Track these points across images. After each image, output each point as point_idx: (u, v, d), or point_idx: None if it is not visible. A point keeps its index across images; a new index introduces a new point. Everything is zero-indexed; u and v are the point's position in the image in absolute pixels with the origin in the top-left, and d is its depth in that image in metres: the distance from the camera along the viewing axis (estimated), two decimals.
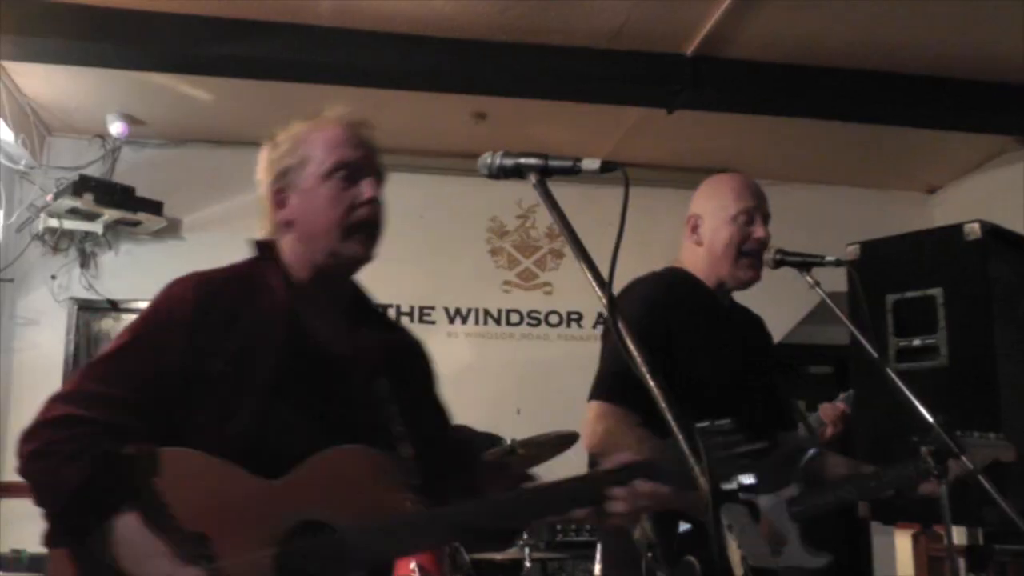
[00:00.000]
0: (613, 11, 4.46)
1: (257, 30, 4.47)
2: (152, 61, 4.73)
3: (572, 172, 1.51)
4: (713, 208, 2.66)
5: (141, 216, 5.65)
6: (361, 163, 1.85)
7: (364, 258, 1.84)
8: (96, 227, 5.67)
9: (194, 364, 1.68)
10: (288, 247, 1.86)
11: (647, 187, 6.15)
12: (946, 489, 2.28)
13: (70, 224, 5.62)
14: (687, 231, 2.72)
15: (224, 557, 1.57)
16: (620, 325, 1.32)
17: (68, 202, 5.39)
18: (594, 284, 1.37)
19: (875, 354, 2.41)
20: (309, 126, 1.92)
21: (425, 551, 3.62)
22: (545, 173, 1.54)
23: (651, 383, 1.24)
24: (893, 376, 2.32)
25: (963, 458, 2.25)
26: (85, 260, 5.80)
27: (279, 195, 1.87)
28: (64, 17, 4.36)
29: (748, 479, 1.73)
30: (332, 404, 1.77)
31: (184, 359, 1.68)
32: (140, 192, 5.65)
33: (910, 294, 3.69)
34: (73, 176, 5.52)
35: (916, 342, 3.61)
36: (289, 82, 4.88)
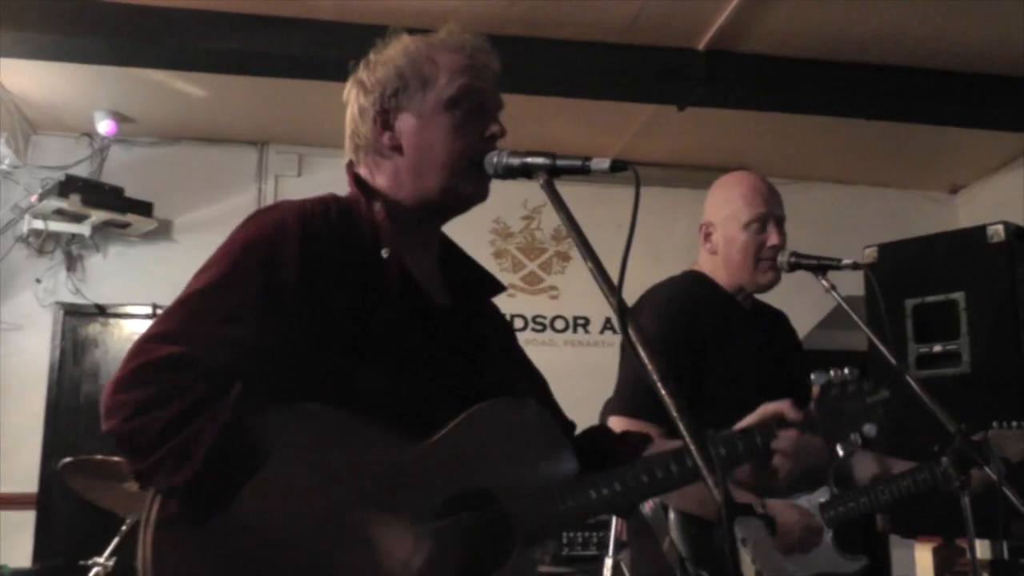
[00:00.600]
0: (624, 4, 4.49)
1: (254, 24, 4.49)
2: (143, 56, 4.75)
3: (581, 172, 1.51)
4: (725, 216, 2.68)
5: (130, 217, 5.67)
6: (487, 95, 1.73)
7: (481, 197, 1.71)
8: (83, 229, 5.69)
9: (311, 300, 1.50)
10: (388, 176, 1.71)
11: (659, 187, 6.18)
12: (968, 500, 2.29)
13: (56, 226, 5.64)
14: (700, 238, 2.74)
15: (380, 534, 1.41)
16: (631, 331, 1.32)
17: (54, 203, 5.41)
18: (604, 289, 1.38)
19: (894, 361, 2.42)
20: (427, 45, 1.75)
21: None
22: (553, 173, 1.53)
23: (662, 391, 1.25)
24: (913, 384, 2.33)
25: (987, 468, 2.26)
26: (72, 263, 5.83)
27: (384, 116, 1.70)
28: (50, 10, 4.38)
29: (871, 430, 1.84)
30: (453, 358, 1.66)
31: (299, 293, 1.49)
32: (129, 192, 5.68)
33: (931, 298, 3.71)
34: (59, 176, 5.55)
35: (937, 348, 3.63)
36: (287, 79, 4.91)
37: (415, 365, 1.58)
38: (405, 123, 1.69)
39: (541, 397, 1.82)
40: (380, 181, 1.72)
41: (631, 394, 2.40)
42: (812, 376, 1.90)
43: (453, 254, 1.85)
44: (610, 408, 2.45)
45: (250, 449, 1.35)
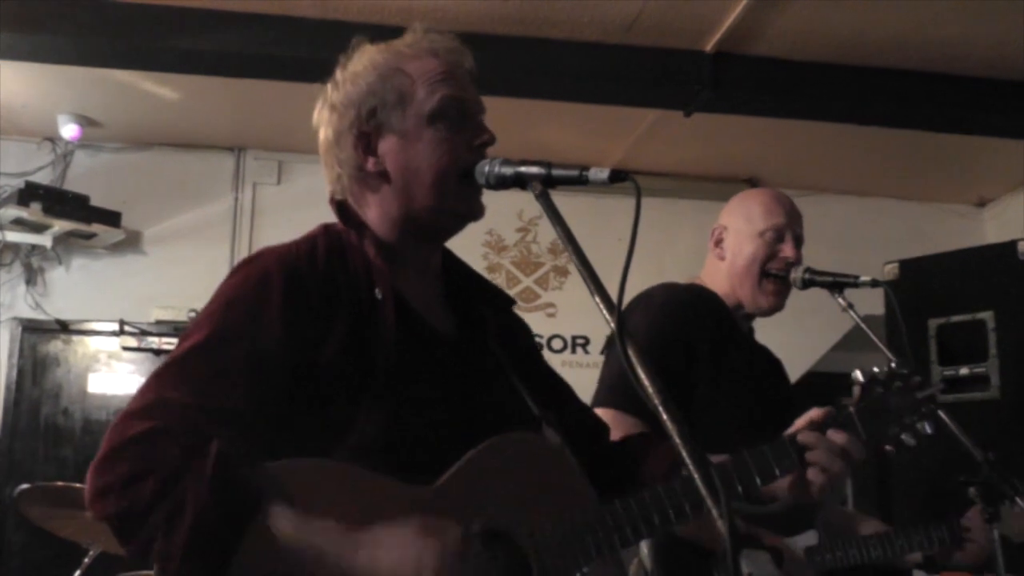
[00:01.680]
0: (625, 3, 4.49)
1: (230, 22, 4.49)
2: (110, 55, 4.74)
3: (578, 182, 1.51)
4: (740, 221, 2.69)
5: (96, 228, 5.66)
6: (469, 102, 1.74)
7: (476, 214, 1.73)
8: (44, 240, 5.68)
9: (297, 356, 1.52)
10: (376, 204, 1.72)
11: (662, 198, 6.18)
12: (999, 534, 2.29)
13: (14, 236, 5.62)
14: (710, 243, 2.75)
15: None
16: (631, 352, 1.33)
17: (12, 212, 5.39)
18: (601, 307, 1.39)
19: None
20: (395, 54, 1.75)
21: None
22: (548, 183, 1.54)
23: (664, 415, 1.25)
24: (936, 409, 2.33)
25: (1019, 500, 2.26)
26: (31, 276, 5.81)
27: (364, 140, 1.70)
28: (7, 5, 4.35)
29: (926, 427, 1.84)
30: (459, 392, 1.66)
31: (287, 351, 1.52)
32: (95, 201, 5.67)
33: (956, 318, 3.72)
34: (19, 183, 5.54)
35: (963, 371, 3.63)
36: (266, 80, 4.92)
37: (417, 406, 1.59)
38: (388, 144, 1.70)
39: (565, 413, 1.83)
40: (370, 211, 1.73)
41: (620, 387, 2.39)
42: (853, 374, 1.90)
43: (457, 271, 1.86)
44: (596, 399, 2.45)
45: (242, 501, 1.37)
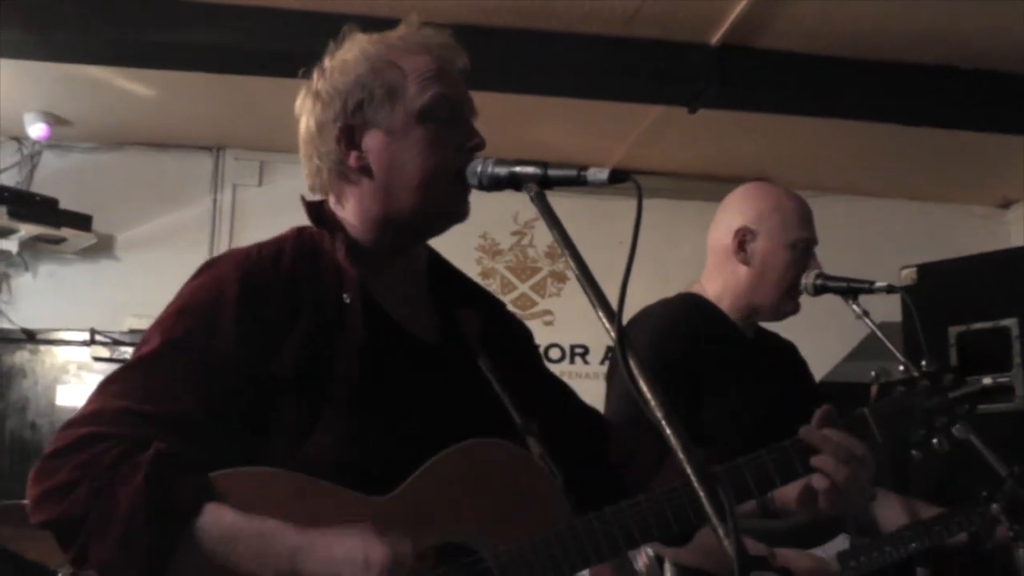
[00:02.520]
0: None
1: (209, 13, 4.48)
2: (81, 51, 4.74)
3: (576, 183, 1.51)
4: (773, 226, 2.66)
5: (65, 232, 5.65)
6: (461, 102, 1.76)
7: (461, 216, 1.75)
8: (10, 245, 5.67)
9: (254, 365, 1.55)
10: (355, 201, 1.74)
11: (665, 199, 6.20)
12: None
13: None
14: (731, 245, 2.70)
15: None
16: (632, 363, 1.33)
17: None
18: (601, 315, 1.39)
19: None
20: (387, 47, 1.76)
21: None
22: (545, 184, 1.55)
23: (668, 431, 1.26)
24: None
25: None
26: None
27: (348, 133, 1.72)
28: None
29: (962, 431, 1.84)
30: (432, 401, 1.67)
31: (240, 359, 1.54)
32: (65, 204, 5.66)
33: (978, 325, 3.72)
34: None
35: (986, 381, 3.63)
36: (247, 75, 4.91)
37: (381, 416, 1.60)
38: (373, 140, 1.72)
39: (558, 419, 1.84)
40: (348, 208, 1.75)
41: (625, 416, 2.40)
42: (872, 373, 1.86)
43: (442, 273, 1.88)
44: None
45: (174, 505, 1.40)
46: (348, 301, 1.64)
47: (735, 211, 2.73)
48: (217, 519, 1.41)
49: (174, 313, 1.61)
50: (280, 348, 1.57)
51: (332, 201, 1.78)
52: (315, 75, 1.78)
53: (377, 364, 1.63)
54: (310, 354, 1.58)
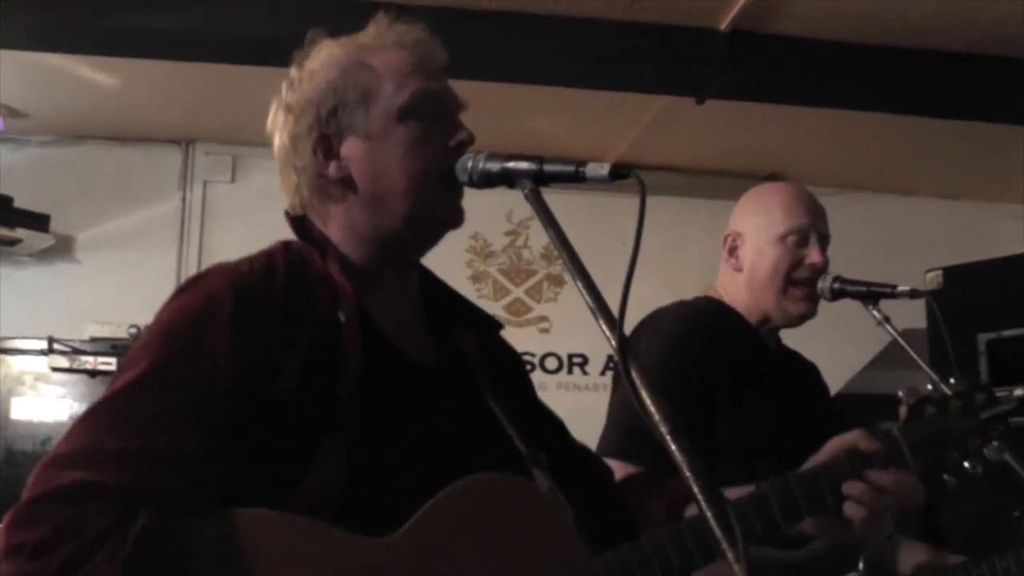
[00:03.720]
0: None
1: None
2: (37, 37, 4.72)
3: (575, 179, 1.52)
4: (757, 225, 2.69)
5: (21, 233, 5.65)
6: (445, 95, 1.77)
7: (456, 220, 1.75)
8: None
9: (251, 389, 1.52)
10: (341, 217, 1.74)
11: (671, 196, 6.21)
12: None
13: None
14: (724, 252, 2.75)
15: None
16: (634, 374, 1.33)
17: None
18: (600, 321, 1.39)
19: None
20: (357, 47, 1.77)
21: None
22: (540, 180, 1.54)
23: (672, 446, 1.26)
24: None
25: None
26: None
27: (324, 143, 1.71)
28: None
29: (997, 453, 1.83)
30: (433, 429, 1.67)
31: (236, 383, 1.51)
32: (20, 203, 5.65)
33: (1009, 332, 3.73)
34: None
35: (1018, 392, 3.64)
36: (218, 63, 4.91)
37: (383, 445, 1.59)
38: (352, 148, 1.72)
39: (558, 453, 1.83)
40: (333, 225, 1.74)
41: (625, 432, 2.40)
42: (900, 393, 1.87)
43: (436, 293, 1.88)
44: (602, 446, 2.46)
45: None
46: (344, 320, 1.63)
47: (733, 215, 2.78)
48: None
49: (161, 334, 1.57)
50: (277, 371, 1.55)
51: (315, 219, 1.76)
52: (283, 88, 1.78)
53: (376, 390, 1.62)
54: (307, 377, 1.56)
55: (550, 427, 1.97)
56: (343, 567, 1.45)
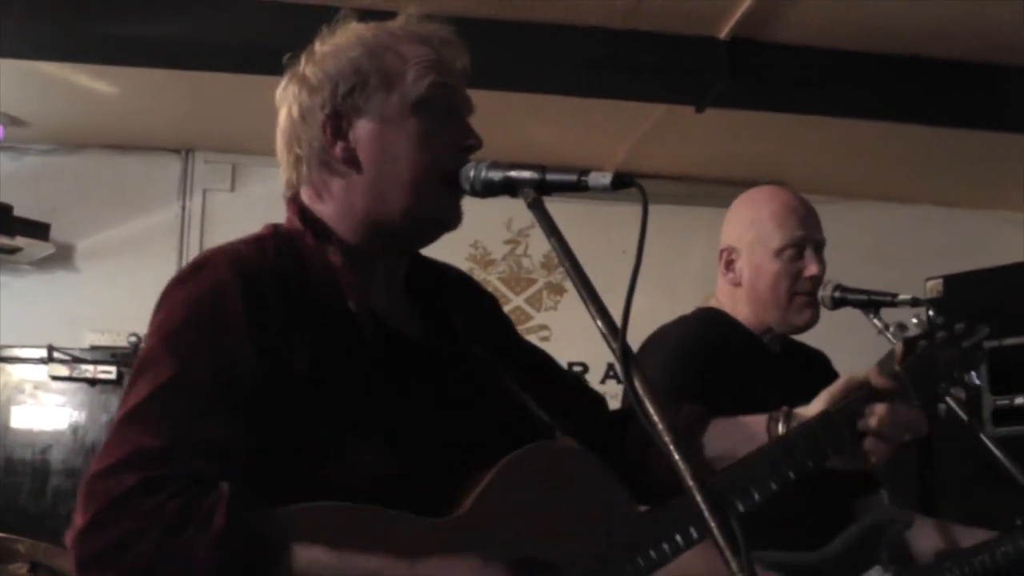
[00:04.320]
0: None
1: (177, 4, 4.48)
2: (37, 45, 4.72)
3: (576, 188, 1.52)
4: (752, 240, 2.69)
5: (21, 241, 5.64)
6: (460, 97, 1.77)
7: (454, 222, 1.75)
8: None
9: (270, 372, 1.51)
10: (339, 193, 1.73)
11: (672, 204, 6.20)
12: None
13: None
14: (720, 267, 2.75)
15: None
16: (637, 383, 1.33)
17: None
18: (602, 329, 1.39)
19: (964, 416, 2.43)
20: (387, 33, 1.76)
21: None
22: (542, 189, 1.55)
23: (675, 455, 1.26)
24: (989, 444, 2.34)
25: None
26: None
27: (335, 120, 1.71)
28: None
29: (974, 378, 1.98)
30: (455, 408, 1.69)
31: (256, 368, 1.51)
32: (20, 211, 5.64)
33: (1010, 341, 3.73)
34: None
35: (1019, 400, 3.64)
36: (217, 72, 4.91)
37: (413, 431, 1.60)
38: (362, 130, 1.71)
39: (556, 396, 1.88)
40: (330, 204, 1.73)
41: None
42: (890, 332, 1.93)
43: (420, 270, 1.87)
44: None
45: (258, 552, 1.37)
46: (355, 310, 1.64)
47: (725, 227, 2.77)
48: (312, 562, 1.39)
49: (178, 327, 1.55)
50: (292, 353, 1.55)
51: (310, 195, 1.75)
52: (302, 59, 1.77)
53: (396, 375, 1.63)
54: (322, 363, 1.56)
55: (550, 377, 1.98)
56: (415, 545, 1.46)
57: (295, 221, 1.74)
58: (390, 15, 1.81)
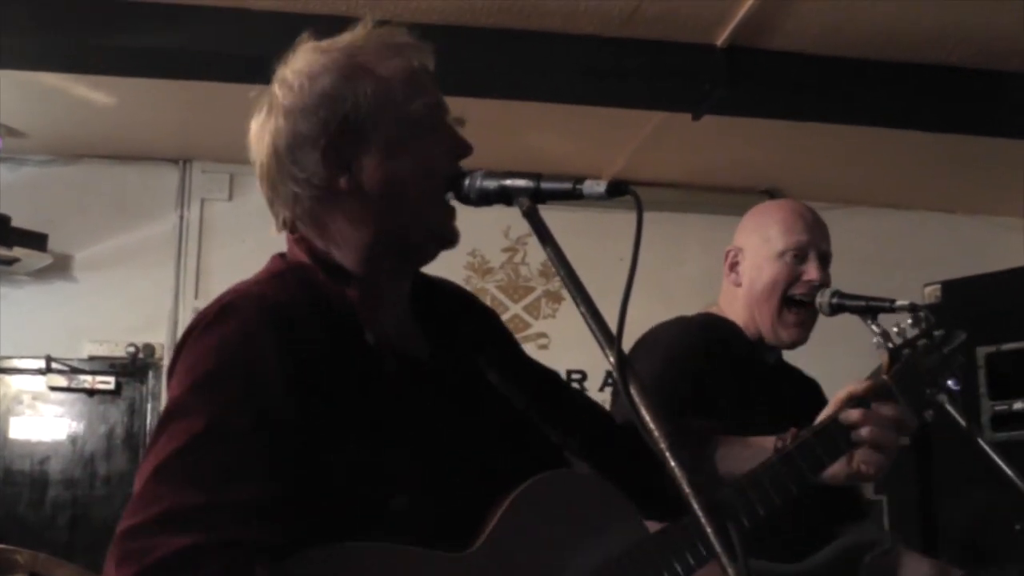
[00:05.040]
0: None
1: (174, 15, 4.47)
2: (34, 56, 4.73)
3: (572, 196, 1.52)
4: (757, 241, 2.71)
5: (18, 252, 5.64)
6: (442, 100, 1.75)
7: (456, 238, 1.74)
8: None
9: (305, 418, 1.47)
10: (344, 226, 1.68)
11: (668, 212, 6.20)
12: None
13: None
14: (725, 267, 2.77)
15: None
16: (633, 391, 1.34)
17: None
18: (599, 338, 1.39)
19: (963, 422, 2.43)
20: (359, 50, 1.71)
21: None
22: (537, 198, 1.55)
23: (671, 461, 1.26)
24: (987, 449, 2.34)
25: None
26: None
27: (334, 153, 1.65)
28: None
29: (954, 384, 2.04)
30: (470, 435, 1.68)
31: (292, 415, 1.46)
32: (17, 222, 5.65)
33: (1008, 346, 3.73)
34: None
35: (1017, 405, 3.64)
36: (215, 82, 4.91)
37: (437, 462, 1.60)
38: (364, 158, 1.66)
39: (564, 413, 1.90)
40: (338, 236, 1.69)
41: None
42: (875, 340, 1.97)
43: (422, 290, 1.86)
44: None
45: None
46: (373, 342, 1.62)
47: (736, 234, 2.79)
48: None
49: (209, 376, 1.48)
50: (323, 397, 1.51)
51: (313, 232, 1.71)
52: (275, 89, 1.71)
53: (417, 405, 1.63)
54: (352, 404, 1.54)
55: (559, 399, 1.97)
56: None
57: (301, 255, 1.70)
58: (386, 24, 1.81)
